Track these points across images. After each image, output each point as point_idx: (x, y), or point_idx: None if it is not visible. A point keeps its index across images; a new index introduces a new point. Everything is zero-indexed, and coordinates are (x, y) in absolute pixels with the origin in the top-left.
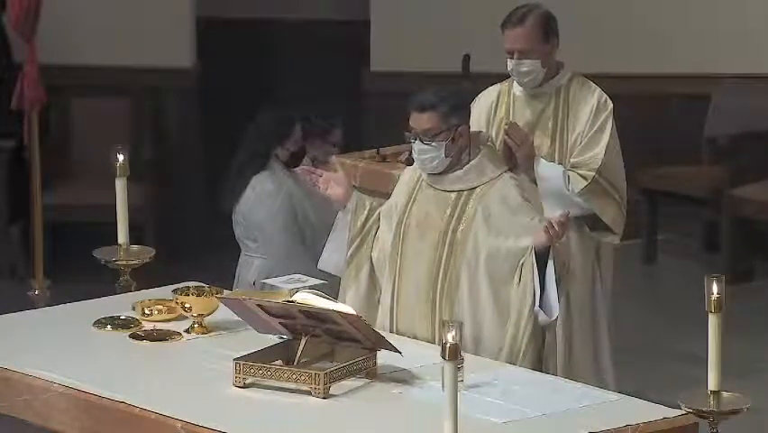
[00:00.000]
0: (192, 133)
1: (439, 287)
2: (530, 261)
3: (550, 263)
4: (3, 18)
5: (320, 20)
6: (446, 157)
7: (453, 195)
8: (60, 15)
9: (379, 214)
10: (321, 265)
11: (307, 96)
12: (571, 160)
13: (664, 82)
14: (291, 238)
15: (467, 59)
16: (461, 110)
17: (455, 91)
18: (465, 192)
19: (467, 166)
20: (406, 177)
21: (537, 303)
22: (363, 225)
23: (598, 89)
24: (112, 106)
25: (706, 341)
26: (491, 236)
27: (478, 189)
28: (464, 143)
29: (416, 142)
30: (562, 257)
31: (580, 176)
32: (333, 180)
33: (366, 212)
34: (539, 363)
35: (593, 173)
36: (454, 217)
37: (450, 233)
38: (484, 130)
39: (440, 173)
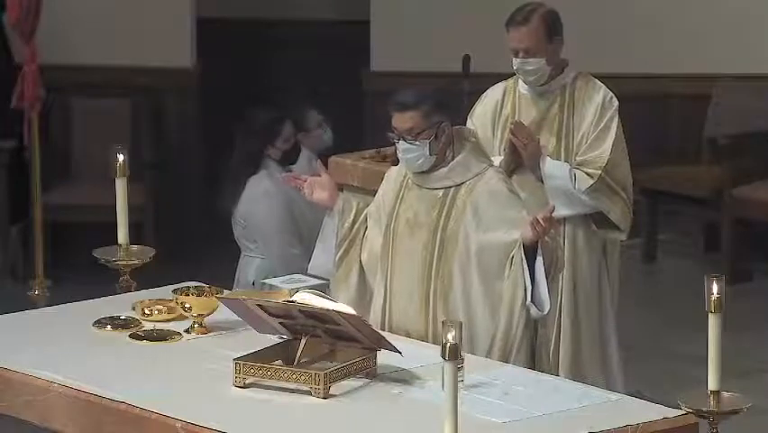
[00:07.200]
0: (192, 133)
1: (432, 285)
2: (519, 255)
3: (538, 259)
4: (3, 18)
5: (320, 20)
6: (431, 155)
7: (441, 192)
8: (60, 15)
9: (366, 215)
10: (311, 270)
11: (307, 96)
12: (577, 158)
13: (664, 82)
14: (289, 238)
15: (467, 59)
16: (443, 107)
17: (435, 89)
18: (452, 189)
19: (452, 163)
20: (393, 176)
21: (528, 297)
22: (351, 227)
23: (604, 87)
24: (112, 106)
25: (706, 341)
26: (481, 231)
27: (464, 185)
28: (448, 140)
29: (400, 141)
30: (551, 252)
31: (587, 174)
32: (317, 185)
33: (353, 214)
34: (532, 358)
35: (599, 171)
36: (443, 215)
37: (440, 230)
38: (490, 127)
39: (425, 172)
